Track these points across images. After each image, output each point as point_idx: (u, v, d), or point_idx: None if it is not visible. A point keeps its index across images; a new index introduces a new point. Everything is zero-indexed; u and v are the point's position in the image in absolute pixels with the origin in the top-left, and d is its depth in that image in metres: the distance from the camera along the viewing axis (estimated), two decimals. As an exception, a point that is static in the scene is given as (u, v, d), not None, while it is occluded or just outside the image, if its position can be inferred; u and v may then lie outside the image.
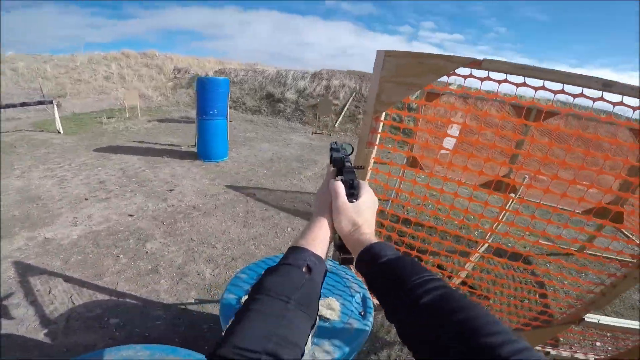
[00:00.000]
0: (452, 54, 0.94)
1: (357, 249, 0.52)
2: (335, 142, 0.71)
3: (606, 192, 1.12)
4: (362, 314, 1.29)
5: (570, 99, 0.94)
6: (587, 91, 0.92)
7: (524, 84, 0.94)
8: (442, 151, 3.19)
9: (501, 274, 2.87)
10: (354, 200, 0.57)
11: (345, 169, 0.62)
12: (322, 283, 0.49)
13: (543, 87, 0.93)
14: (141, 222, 3.23)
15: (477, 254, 2.18)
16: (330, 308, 1.26)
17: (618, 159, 1.06)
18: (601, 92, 0.89)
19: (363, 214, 0.56)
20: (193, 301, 2.24)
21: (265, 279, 0.44)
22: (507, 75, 0.95)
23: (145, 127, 7.38)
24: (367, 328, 1.23)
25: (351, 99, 9.57)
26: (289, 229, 3.30)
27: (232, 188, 4.23)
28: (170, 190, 4.02)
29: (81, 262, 2.55)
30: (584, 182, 1.10)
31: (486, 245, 2.54)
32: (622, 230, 2.96)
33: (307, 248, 0.50)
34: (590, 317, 1.47)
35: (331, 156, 0.66)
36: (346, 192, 0.58)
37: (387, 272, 0.46)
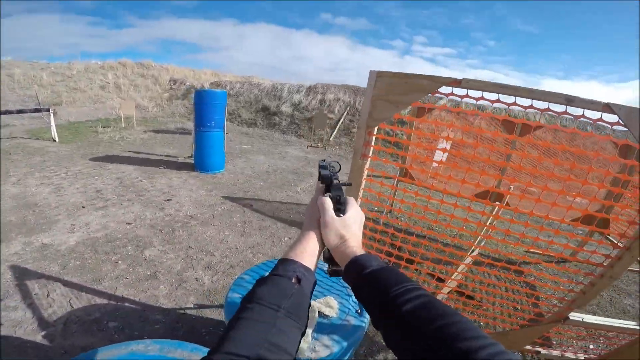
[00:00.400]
0: (434, 74, 1.07)
1: (344, 261, 0.54)
2: (324, 160, 0.74)
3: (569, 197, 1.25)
4: (359, 312, 1.38)
5: (553, 113, 1.08)
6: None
7: (498, 100, 1.07)
8: (434, 164, 3.35)
9: (489, 276, 2.98)
10: (341, 215, 0.60)
11: (333, 186, 0.65)
12: (312, 294, 0.52)
13: (514, 103, 1.06)
14: (139, 230, 3.27)
15: (468, 258, 2.27)
16: (328, 306, 1.34)
17: (580, 166, 1.19)
18: (565, 106, 1.02)
19: (350, 228, 0.58)
20: (192, 306, 2.29)
21: (256, 288, 0.47)
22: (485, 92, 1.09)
23: (141, 138, 7.43)
24: (363, 325, 1.31)
25: (346, 112, 9.81)
26: (285, 239, 3.37)
27: (229, 199, 4.30)
28: (168, 200, 4.07)
29: (79, 267, 2.58)
30: (561, 190, 1.22)
31: (477, 250, 2.64)
32: (608, 235, 3.13)
33: (296, 260, 0.52)
34: (575, 316, 1.54)
35: (320, 174, 0.69)
36: (334, 207, 0.61)
37: (371, 282, 0.48)
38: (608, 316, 2.84)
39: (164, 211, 3.74)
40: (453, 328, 0.36)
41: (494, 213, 2.85)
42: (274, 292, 0.46)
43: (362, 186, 1.53)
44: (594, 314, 2.25)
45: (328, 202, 0.61)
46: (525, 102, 1.03)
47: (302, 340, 1.17)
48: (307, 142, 8.82)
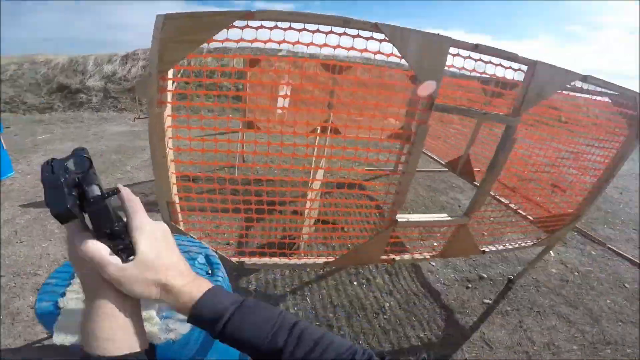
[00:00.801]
0: (228, 10, 1.07)
1: (183, 312, 0.42)
2: (51, 162, 0.40)
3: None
4: (210, 272, 1.27)
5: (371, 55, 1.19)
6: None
7: (290, 28, 1.14)
8: (279, 111, 3.44)
9: (342, 198, 3.51)
10: (133, 256, 0.40)
11: (91, 213, 0.39)
12: None
13: (304, 29, 1.15)
14: None
15: (310, 193, 2.49)
16: None
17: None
18: (343, 28, 1.14)
19: (160, 265, 0.41)
20: (46, 335, 1.87)
21: None
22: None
23: None
24: (219, 282, 1.20)
25: (179, 75, 8.71)
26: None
27: (32, 205, 3.35)
28: None
29: None
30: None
31: (316, 182, 2.92)
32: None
33: (90, 354, 0.36)
34: (402, 217, 1.66)
35: (48, 196, 0.37)
36: (111, 247, 0.40)
37: (234, 339, 0.41)
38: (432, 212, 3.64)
39: None
40: (331, 349, 0.41)
41: (327, 143, 3.26)
42: None
43: (170, 135, 1.31)
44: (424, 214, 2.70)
45: (97, 248, 0.38)
46: (331, 40, 1.13)
47: (147, 324, 0.99)
48: (132, 115, 7.52)
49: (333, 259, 1.81)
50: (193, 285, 0.42)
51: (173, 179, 1.42)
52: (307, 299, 2.39)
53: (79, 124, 6.85)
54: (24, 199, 3.48)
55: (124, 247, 0.40)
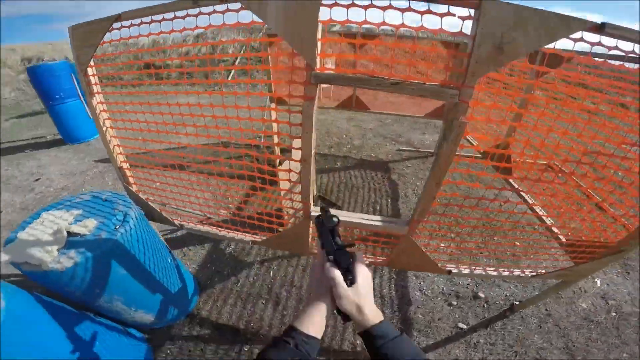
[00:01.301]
0: (105, 17, 1.22)
1: (360, 328, 0.62)
2: (319, 218, 0.72)
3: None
4: (117, 227, 1.45)
5: None
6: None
7: (152, 21, 1.21)
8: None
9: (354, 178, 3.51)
10: (353, 284, 0.64)
11: (337, 253, 0.67)
12: (317, 355, 0.60)
13: (163, 19, 1.20)
14: (10, 215, 3.26)
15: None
16: (84, 226, 1.41)
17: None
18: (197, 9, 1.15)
19: (363, 296, 0.63)
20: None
21: (263, 352, 0.59)
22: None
23: (3, 127, 6.62)
24: (114, 237, 1.38)
25: (242, 52, 9.52)
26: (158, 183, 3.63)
27: (102, 161, 4.30)
28: (37, 180, 3.96)
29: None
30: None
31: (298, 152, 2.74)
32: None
33: (300, 329, 0.60)
34: (316, 213, 1.50)
35: (322, 242, 0.69)
36: (343, 277, 0.65)
37: (387, 354, 0.58)
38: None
39: (34, 191, 3.69)
40: None
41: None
42: (277, 355, 0.58)
43: (105, 117, 1.66)
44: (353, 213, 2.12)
45: (338, 275, 0.65)
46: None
47: (45, 254, 1.32)
48: (201, 89, 8.59)
49: (259, 239, 1.78)
50: (375, 315, 0.63)
51: (118, 150, 1.79)
52: (271, 272, 2.47)
53: (158, 97, 8.12)
54: (98, 156, 4.50)
55: (348, 278, 0.65)
